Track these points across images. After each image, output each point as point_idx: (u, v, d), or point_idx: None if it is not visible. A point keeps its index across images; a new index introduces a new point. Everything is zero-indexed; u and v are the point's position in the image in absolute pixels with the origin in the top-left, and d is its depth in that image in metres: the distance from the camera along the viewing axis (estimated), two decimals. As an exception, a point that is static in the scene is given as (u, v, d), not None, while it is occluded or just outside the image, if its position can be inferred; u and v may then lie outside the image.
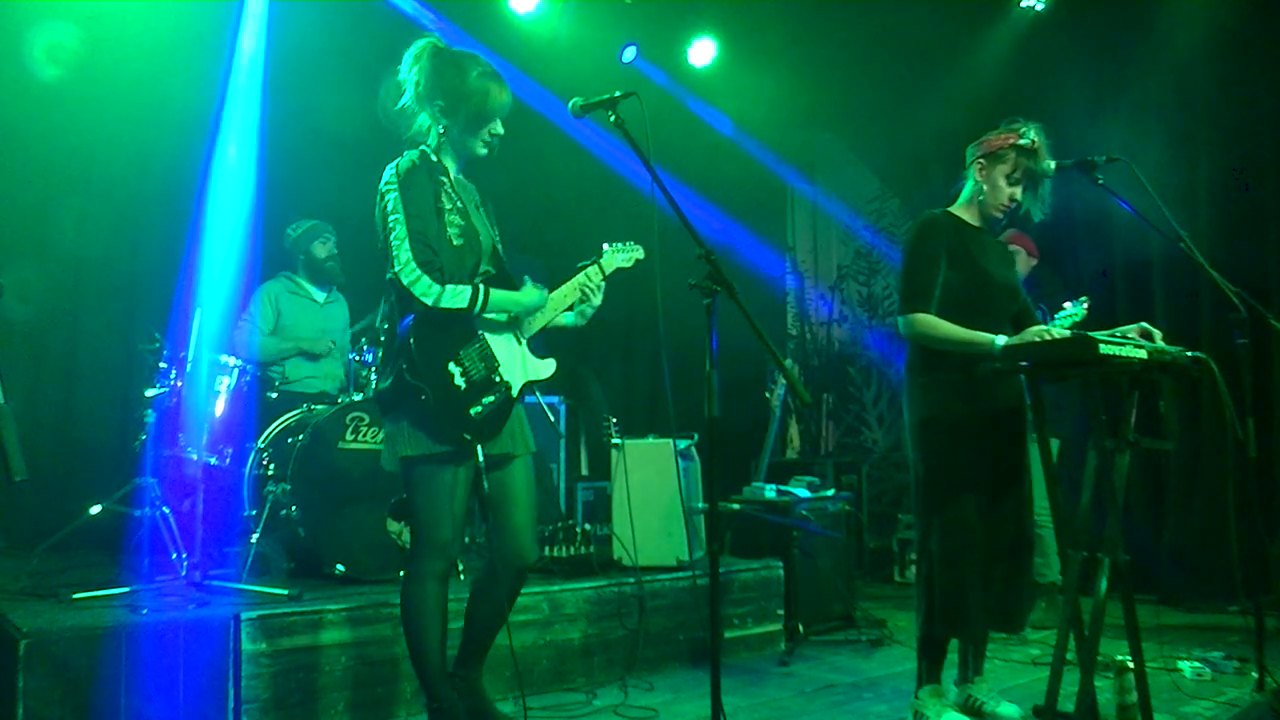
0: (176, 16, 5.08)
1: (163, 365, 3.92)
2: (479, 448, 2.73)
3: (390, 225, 2.73)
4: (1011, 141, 3.23)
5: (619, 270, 3.17)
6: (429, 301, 2.68)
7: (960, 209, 3.37)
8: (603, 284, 3.07)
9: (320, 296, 5.00)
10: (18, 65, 4.84)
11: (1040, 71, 6.33)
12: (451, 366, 2.74)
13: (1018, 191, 3.27)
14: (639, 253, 3.20)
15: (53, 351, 5.14)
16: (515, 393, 2.87)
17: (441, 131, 2.88)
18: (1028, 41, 6.36)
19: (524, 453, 2.94)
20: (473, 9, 6.01)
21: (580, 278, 3.04)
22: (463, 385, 2.75)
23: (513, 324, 2.95)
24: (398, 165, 2.80)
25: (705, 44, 6.92)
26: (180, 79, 5.15)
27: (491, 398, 2.79)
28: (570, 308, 3.05)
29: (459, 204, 2.86)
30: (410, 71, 2.85)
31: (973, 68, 6.48)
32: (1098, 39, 6.11)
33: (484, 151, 2.90)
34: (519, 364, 2.91)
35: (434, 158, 2.87)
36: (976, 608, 3.14)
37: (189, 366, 3.92)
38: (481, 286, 2.77)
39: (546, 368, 2.97)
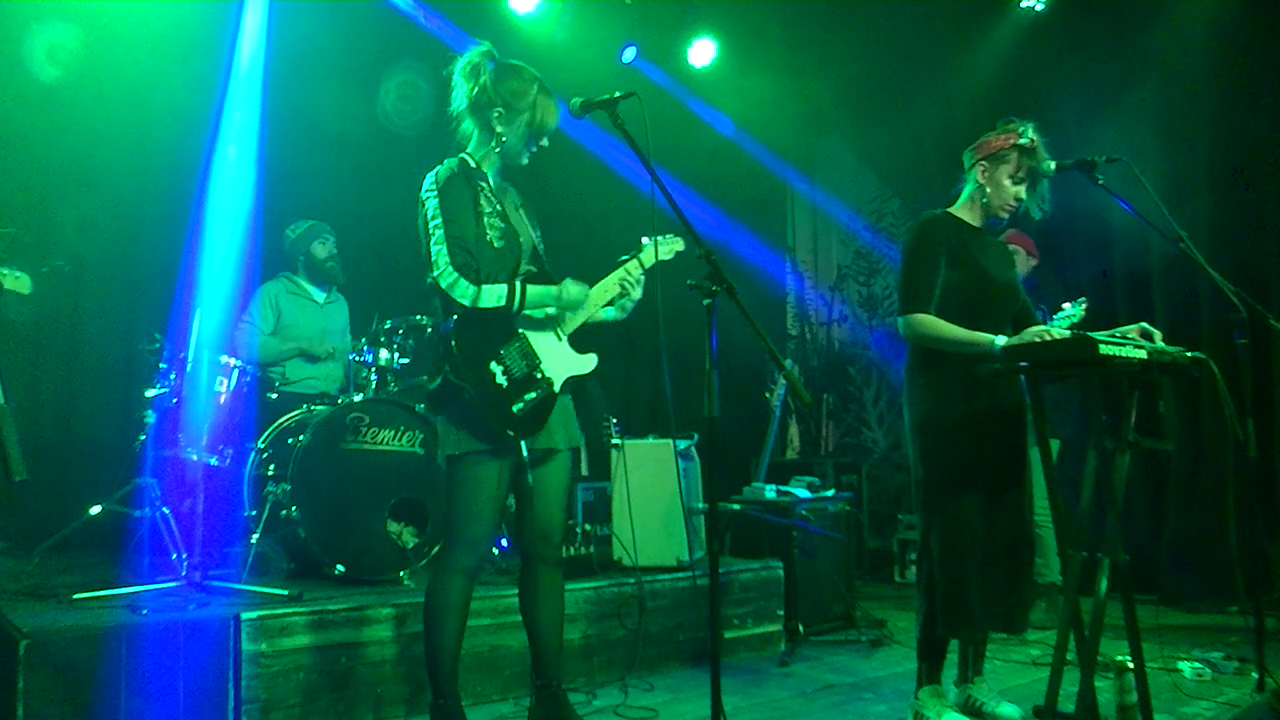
0: (176, 16, 5.08)
1: (163, 365, 3.92)
2: (522, 443, 2.80)
3: (430, 231, 2.81)
4: (1012, 141, 3.24)
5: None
6: (466, 302, 2.76)
7: (960, 210, 3.37)
8: (642, 278, 3.07)
9: (320, 297, 5.00)
10: (18, 65, 4.83)
11: (1040, 71, 6.33)
12: (493, 365, 2.81)
13: (1022, 190, 3.28)
14: (679, 244, 3.17)
15: (53, 351, 5.13)
16: (557, 388, 2.91)
17: (500, 135, 2.92)
18: (1028, 41, 6.36)
19: (566, 447, 2.99)
20: (473, 9, 6.01)
21: (620, 272, 3.05)
22: (504, 383, 2.81)
23: (553, 321, 2.98)
24: (437, 174, 2.87)
25: (705, 44, 6.92)
26: (180, 79, 5.14)
27: (534, 394, 2.85)
28: (610, 302, 3.07)
29: (498, 207, 2.91)
30: (467, 79, 2.90)
31: (973, 68, 6.48)
32: (1097, 39, 6.11)
33: (526, 161, 2.99)
34: (561, 360, 2.95)
35: (473, 164, 2.94)
36: (977, 609, 3.14)
37: (189, 366, 3.92)
38: (518, 284, 2.81)
39: (588, 363, 3.01)
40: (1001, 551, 3.18)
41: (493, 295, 2.77)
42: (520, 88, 2.90)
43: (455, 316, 2.81)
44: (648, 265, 3.09)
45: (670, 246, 3.17)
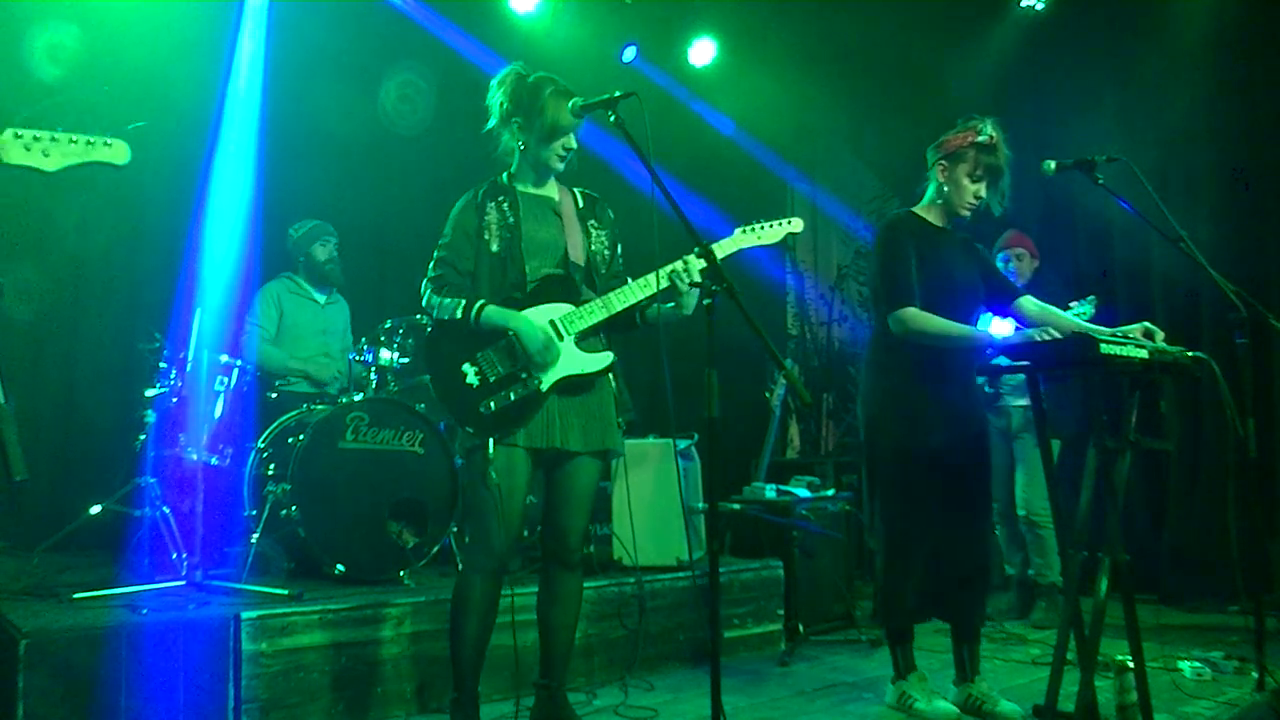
0: (176, 16, 5.08)
1: (163, 365, 3.92)
2: (490, 441, 2.82)
3: None
4: (970, 139, 3.27)
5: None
6: (431, 311, 2.95)
7: (923, 209, 3.42)
8: (693, 279, 2.83)
9: (321, 298, 5.00)
10: (18, 65, 4.83)
11: (1040, 71, 6.33)
12: (465, 367, 2.88)
13: (981, 188, 3.31)
14: (790, 227, 3.08)
15: (53, 351, 5.13)
16: (545, 387, 2.88)
17: (521, 147, 3.02)
18: (1028, 41, 6.36)
19: (585, 450, 2.97)
20: (473, 9, 6.01)
21: (668, 267, 2.86)
22: (475, 384, 2.87)
23: (557, 321, 2.92)
24: (463, 197, 3.03)
25: (705, 44, 6.92)
26: (180, 79, 5.14)
27: (510, 394, 2.86)
28: (672, 302, 2.89)
29: (509, 219, 2.95)
30: (495, 96, 3.03)
31: (973, 67, 6.48)
32: (1098, 39, 6.11)
33: (560, 166, 3.02)
34: (559, 359, 2.91)
35: (504, 179, 3.04)
36: (911, 603, 3.27)
37: (189, 366, 3.92)
38: (478, 303, 2.87)
39: (595, 361, 2.95)
40: (953, 564, 3.27)
41: (447, 308, 2.90)
42: (533, 94, 2.95)
43: (432, 323, 3.01)
44: (694, 271, 2.82)
45: (760, 235, 3.07)
